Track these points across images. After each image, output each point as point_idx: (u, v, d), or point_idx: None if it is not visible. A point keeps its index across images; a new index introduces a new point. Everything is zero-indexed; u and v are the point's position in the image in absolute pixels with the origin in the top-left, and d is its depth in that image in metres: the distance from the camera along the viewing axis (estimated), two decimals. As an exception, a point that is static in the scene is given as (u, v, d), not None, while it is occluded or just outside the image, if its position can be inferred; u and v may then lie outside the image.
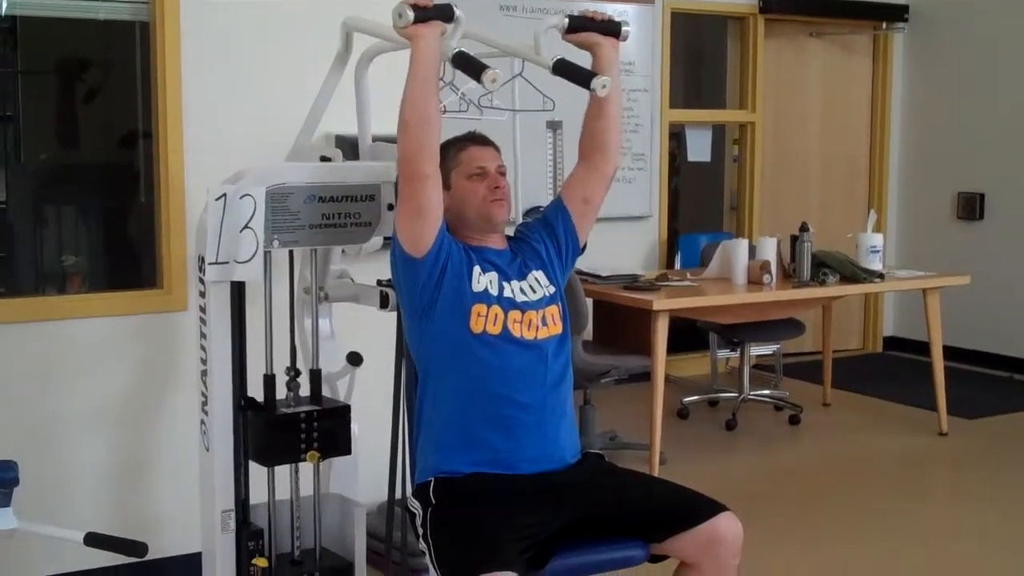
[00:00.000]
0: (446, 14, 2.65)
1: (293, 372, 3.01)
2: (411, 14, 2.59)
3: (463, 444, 2.72)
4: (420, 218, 2.66)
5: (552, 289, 2.86)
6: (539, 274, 2.86)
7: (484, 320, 2.72)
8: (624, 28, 2.85)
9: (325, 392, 3.14)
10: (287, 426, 2.90)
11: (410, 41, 2.63)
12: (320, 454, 2.94)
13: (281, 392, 3.00)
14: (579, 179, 2.94)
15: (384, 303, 3.04)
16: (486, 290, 2.75)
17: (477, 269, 2.76)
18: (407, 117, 2.61)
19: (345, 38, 3.12)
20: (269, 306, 2.95)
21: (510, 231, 2.99)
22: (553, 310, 2.83)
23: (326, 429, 2.94)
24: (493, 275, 2.78)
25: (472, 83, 2.71)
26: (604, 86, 2.69)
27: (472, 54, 2.66)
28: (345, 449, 3.01)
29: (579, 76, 2.70)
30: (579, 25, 2.79)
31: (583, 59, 2.80)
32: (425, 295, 2.72)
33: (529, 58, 2.80)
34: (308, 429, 2.92)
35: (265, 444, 2.89)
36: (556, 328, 2.82)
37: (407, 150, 2.62)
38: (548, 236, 2.92)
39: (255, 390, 2.93)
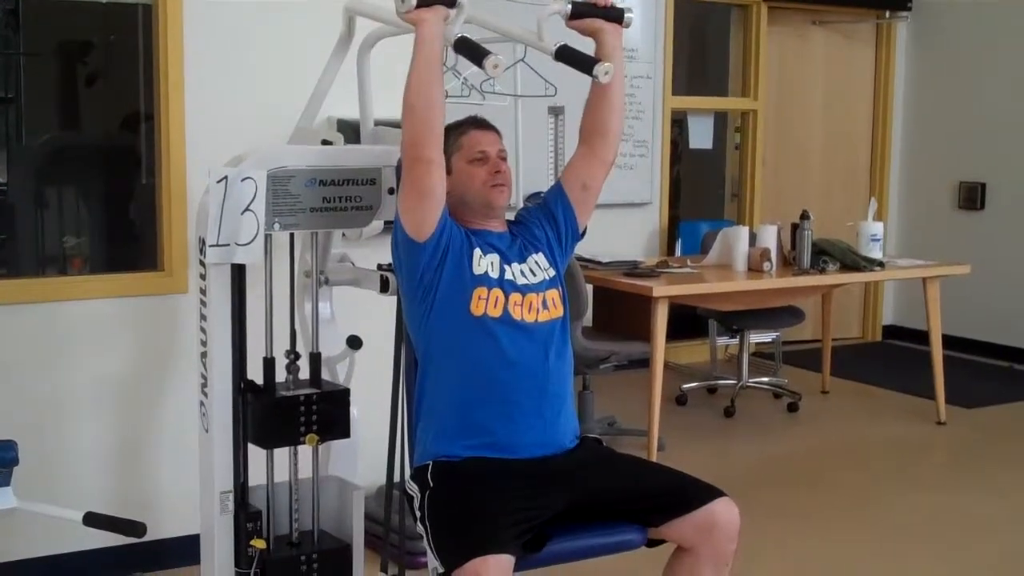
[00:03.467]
0: None
1: (293, 355, 3.01)
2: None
3: (462, 429, 2.73)
4: (424, 202, 2.67)
5: (552, 272, 2.86)
6: (539, 257, 2.86)
7: (485, 303, 2.73)
8: (628, 15, 2.84)
9: (325, 376, 3.15)
10: (286, 409, 2.91)
11: (413, 26, 2.63)
12: (319, 437, 2.94)
13: (281, 375, 3.01)
14: (579, 164, 2.93)
15: (384, 287, 3.05)
16: (487, 273, 2.75)
17: (478, 252, 2.77)
18: (413, 101, 2.61)
19: (347, 22, 3.12)
20: (269, 289, 2.96)
21: (511, 215, 2.99)
22: (553, 294, 2.83)
23: (325, 412, 2.94)
24: (494, 257, 2.78)
25: (475, 68, 2.72)
26: (607, 73, 2.70)
27: (474, 39, 2.66)
28: (344, 432, 3.02)
29: (581, 62, 2.70)
30: (582, 11, 2.78)
31: (586, 45, 2.80)
32: (426, 278, 2.72)
33: (531, 43, 2.80)
34: (307, 412, 2.92)
35: (264, 427, 2.90)
36: (556, 311, 2.82)
37: (414, 134, 2.62)
38: (547, 221, 2.92)
39: (255, 373, 2.94)
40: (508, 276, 2.78)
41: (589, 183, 2.93)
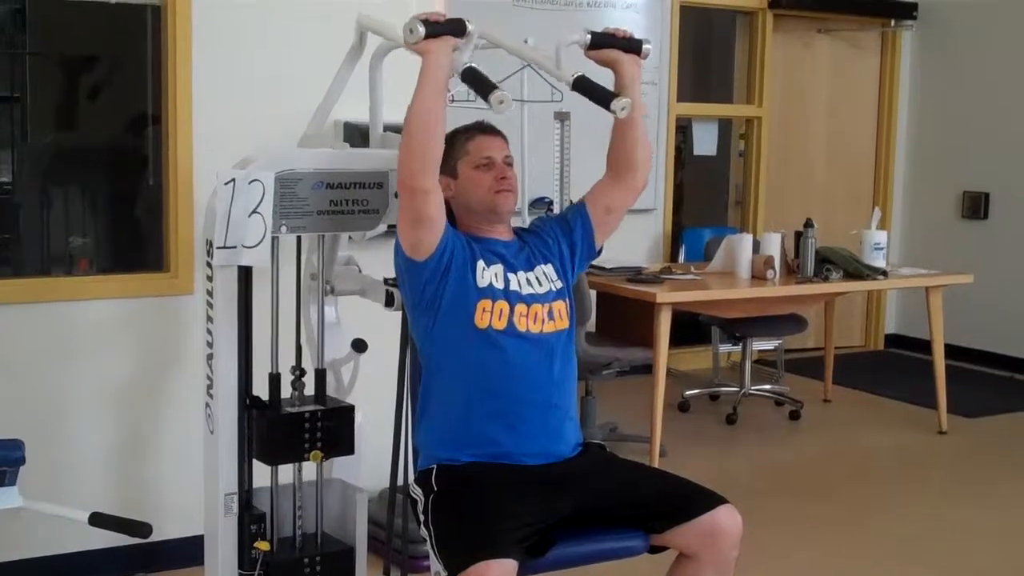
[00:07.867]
0: (458, 29, 2.62)
1: (298, 371, 3.02)
2: (422, 29, 2.56)
3: (467, 439, 2.74)
4: (420, 229, 2.67)
5: (560, 284, 2.86)
6: (547, 268, 2.86)
7: (489, 315, 2.73)
8: (646, 46, 2.83)
9: (329, 379, 3.16)
10: (291, 425, 2.91)
11: (420, 56, 2.61)
12: (323, 454, 2.95)
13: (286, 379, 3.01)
14: (606, 189, 2.93)
15: (389, 302, 3.04)
16: (491, 284, 2.75)
17: (481, 263, 2.76)
18: (413, 129, 2.59)
19: (359, 34, 3.11)
20: (276, 291, 2.96)
21: (517, 222, 3.00)
22: (560, 305, 2.83)
23: (330, 429, 2.95)
24: (498, 267, 2.78)
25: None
26: (624, 108, 2.67)
27: (482, 70, 2.62)
28: (348, 449, 3.01)
29: (599, 96, 2.67)
30: (601, 42, 2.78)
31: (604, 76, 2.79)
32: (428, 292, 2.72)
33: (549, 71, 2.77)
34: (312, 429, 2.93)
35: (269, 443, 2.90)
36: (563, 323, 2.82)
37: (410, 163, 2.61)
38: (564, 234, 2.92)
39: (260, 380, 2.94)
40: (513, 286, 2.77)
41: (614, 207, 2.93)
